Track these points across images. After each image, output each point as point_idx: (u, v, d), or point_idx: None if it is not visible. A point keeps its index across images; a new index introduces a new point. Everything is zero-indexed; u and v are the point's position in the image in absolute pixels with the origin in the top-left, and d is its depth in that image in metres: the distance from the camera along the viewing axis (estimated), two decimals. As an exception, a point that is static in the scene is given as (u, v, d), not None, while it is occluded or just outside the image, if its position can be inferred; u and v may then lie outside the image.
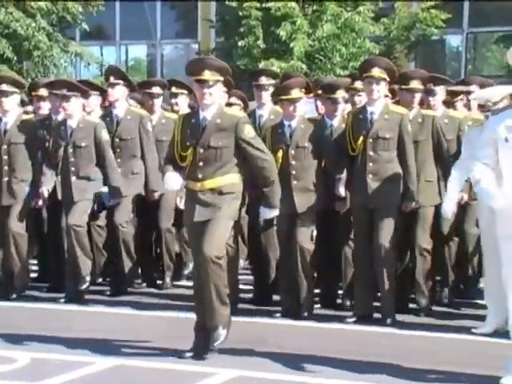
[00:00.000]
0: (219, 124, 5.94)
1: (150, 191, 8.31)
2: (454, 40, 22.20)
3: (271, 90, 7.92)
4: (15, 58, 17.40)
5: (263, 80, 7.94)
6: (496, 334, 6.59)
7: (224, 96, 7.90)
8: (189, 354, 5.95)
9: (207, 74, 5.88)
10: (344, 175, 7.26)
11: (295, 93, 7.28)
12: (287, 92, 7.29)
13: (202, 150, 5.94)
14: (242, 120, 6.01)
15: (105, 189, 7.95)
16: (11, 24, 16.99)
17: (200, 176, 5.94)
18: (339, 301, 7.70)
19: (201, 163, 5.94)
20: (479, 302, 7.50)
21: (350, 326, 7.01)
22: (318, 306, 7.60)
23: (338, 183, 7.25)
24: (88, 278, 7.85)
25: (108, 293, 8.21)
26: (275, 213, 6.36)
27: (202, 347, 5.96)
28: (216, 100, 6.00)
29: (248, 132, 5.97)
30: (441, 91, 7.67)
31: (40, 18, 17.48)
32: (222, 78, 5.99)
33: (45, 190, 7.97)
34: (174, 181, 6.05)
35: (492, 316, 6.75)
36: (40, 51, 17.45)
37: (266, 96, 7.96)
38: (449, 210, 6.79)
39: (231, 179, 5.97)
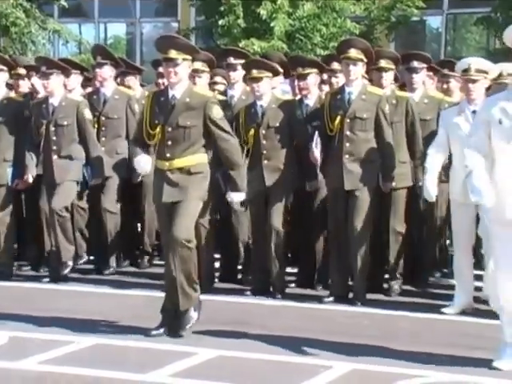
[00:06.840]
0: (188, 103, 5.96)
1: (133, 172, 8.23)
2: (434, 21, 22.20)
3: (241, 69, 7.82)
4: (-8, 35, 17.23)
5: (231, 60, 7.81)
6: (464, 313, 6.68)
7: (206, 75, 7.91)
8: (155, 332, 5.98)
9: (173, 53, 5.91)
10: (317, 144, 7.18)
11: (255, 72, 7.23)
12: (249, 71, 7.31)
13: (170, 129, 5.95)
14: (211, 100, 6.06)
15: (88, 168, 7.87)
16: (-14, 0, 16.80)
17: (168, 155, 5.95)
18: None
19: (169, 142, 5.95)
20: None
21: (328, 306, 7.02)
22: (293, 285, 7.61)
23: (311, 150, 7.15)
24: (70, 263, 7.82)
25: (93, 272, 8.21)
26: (243, 196, 6.28)
27: (171, 328, 6.00)
28: (184, 78, 6.00)
29: (216, 113, 6.01)
30: (422, 70, 7.66)
31: (17, -7, 17.28)
32: (189, 57, 5.98)
33: (30, 177, 7.91)
34: (144, 163, 6.15)
35: (459, 297, 6.79)
36: (17, 28, 17.24)
37: (236, 76, 7.83)
38: (432, 191, 6.74)
39: (200, 159, 6.00)
